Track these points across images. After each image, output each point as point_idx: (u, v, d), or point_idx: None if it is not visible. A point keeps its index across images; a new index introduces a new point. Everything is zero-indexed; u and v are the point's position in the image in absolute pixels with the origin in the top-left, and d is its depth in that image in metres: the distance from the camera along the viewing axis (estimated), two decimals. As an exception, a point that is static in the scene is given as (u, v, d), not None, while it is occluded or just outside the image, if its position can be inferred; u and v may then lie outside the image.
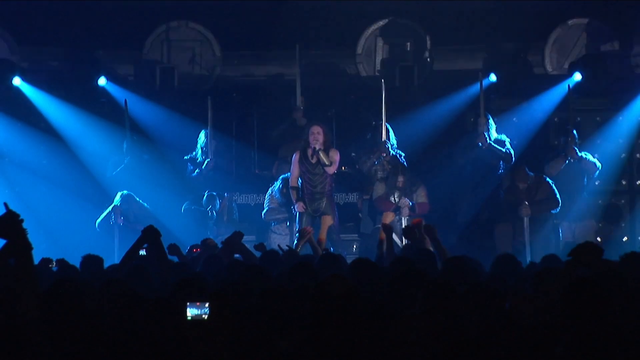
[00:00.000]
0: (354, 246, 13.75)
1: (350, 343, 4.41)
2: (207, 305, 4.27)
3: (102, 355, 4.54)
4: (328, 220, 12.78)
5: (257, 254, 9.79)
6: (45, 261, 8.75)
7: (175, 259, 9.12)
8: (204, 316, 4.26)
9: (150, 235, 7.81)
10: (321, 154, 12.92)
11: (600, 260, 5.28)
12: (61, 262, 8.73)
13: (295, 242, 10.51)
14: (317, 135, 13.01)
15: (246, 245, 9.88)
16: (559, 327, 4.66)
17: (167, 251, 8.51)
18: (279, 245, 10.44)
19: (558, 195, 13.30)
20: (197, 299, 4.33)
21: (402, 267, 6.84)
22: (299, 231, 11.05)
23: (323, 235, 12.08)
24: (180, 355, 4.17)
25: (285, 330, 5.10)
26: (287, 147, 14.69)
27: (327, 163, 12.94)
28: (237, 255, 9.31)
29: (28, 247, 4.90)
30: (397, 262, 7.40)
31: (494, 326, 5.12)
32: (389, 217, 12.73)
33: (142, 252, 8.22)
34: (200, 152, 14.31)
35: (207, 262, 8.63)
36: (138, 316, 5.26)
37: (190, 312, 4.28)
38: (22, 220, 5.09)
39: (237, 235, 9.58)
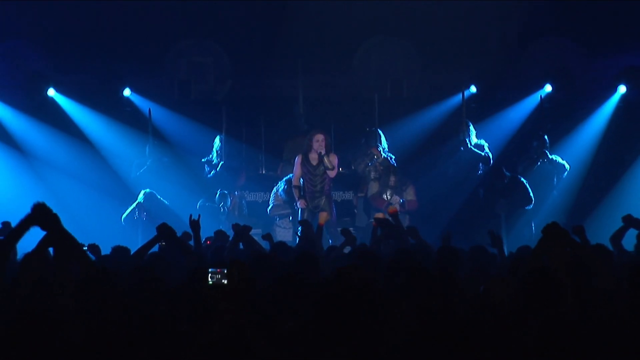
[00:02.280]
0: (350, 238, 13.75)
1: (347, 325, 4.42)
2: (225, 270, 4.27)
3: (130, 336, 4.56)
4: (325, 216, 12.80)
5: (264, 243, 9.86)
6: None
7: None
8: (223, 281, 4.26)
9: (164, 232, 7.86)
10: (325, 160, 12.99)
11: (567, 238, 5.30)
12: (93, 247, 8.75)
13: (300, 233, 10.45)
14: (321, 142, 13.07)
15: (254, 236, 9.93)
16: (530, 311, 4.68)
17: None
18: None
19: (531, 194, 13.33)
20: (217, 267, 4.34)
21: (400, 258, 6.85)
22: (300, 222, 11.02)
23: (322, 221, 12.10)
24: (202, 328, 4.19)
25: (289, 313, 5.11)
26: (291, 151, 14.75)
27: (330, 167, 13.00)
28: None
29: (67, 238, 4.89)
30: (397, 253, 7.39)
31: (470, 308, 5.14)
32: (380, 216, 12.77)
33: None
34: (215, 155, 14.35)
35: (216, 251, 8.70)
36: (162, 299, 5.29)
37: (211, 276, 4.28)
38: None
39: (245, 228, 9.66)
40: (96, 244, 8.87)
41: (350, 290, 4.48)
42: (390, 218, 10.06)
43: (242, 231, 9.51)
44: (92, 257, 8.49)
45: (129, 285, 5.65)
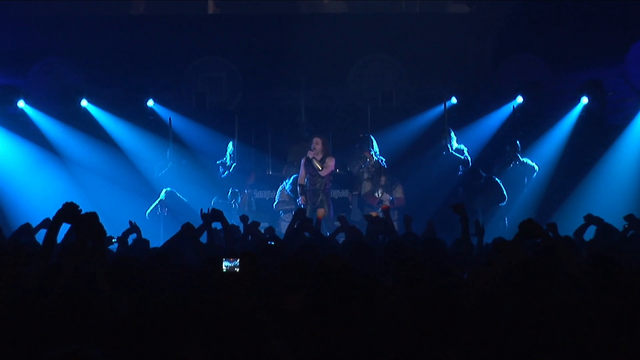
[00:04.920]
0: (346, 231, 13.73)
1: (342, 306, 4.40)
2: (238, 260, 4.28)
3: (152, 315, 4.53)
4: (323, 212, 12.78)
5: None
6: (108, 238, 8.75)
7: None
8: (235, 269, 4.26)
9: (186, 230, 7.91)
10: (314, 162, 12.99)
11: (541, 231, 5.28)
12: (121, 239, 8.75)
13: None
14: (315, 145, 13.08)
15: (260, 230, 9.92)
16: (507, 294, 4.66)
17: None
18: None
19: (505, 192, 13.32)
20: (230, 256, 4.35)
21: (391, 248, 6.79)
22: (295, 211, 10.89)
23: (320, 216, 12.07)
24: (217, 308, 4.18)
25: (292, 294, 5.09)
26: (294, 154, 14.76)
27: (319, 168, 13.00)
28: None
29: (102, 232, 4.90)
30: (389, 244, 7.33)
31: (452, 292, 5.10)
32: (373, 213, 12.74)
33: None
34: (228, 158, 14.35)
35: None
36: (181, 283, 5.28)
37: (225, 265, 4.29)
38: (82, 212, 5.06)
39: (254, 224, 9.65)
40: (123, 236, 8.88)
41: (332, 275, 4.48)
42: (382, 214, 10.05)
43: (251, 226, 9.51)
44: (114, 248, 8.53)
45: (152, 271, 5.64)
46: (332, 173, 13.28)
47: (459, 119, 14.78)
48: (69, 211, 4.99)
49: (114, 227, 9.05)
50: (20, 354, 4.00)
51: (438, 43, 15.06)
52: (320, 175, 13.05)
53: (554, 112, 14.76)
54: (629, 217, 8.87)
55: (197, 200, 13.67)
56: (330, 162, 13.13)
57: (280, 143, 15.33)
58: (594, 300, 4.75)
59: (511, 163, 13.86)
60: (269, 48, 15.32)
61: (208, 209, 8.61)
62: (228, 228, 8.53)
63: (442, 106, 14.43)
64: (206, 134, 15.00)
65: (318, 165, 12.97)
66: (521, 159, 13.88)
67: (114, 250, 8.46)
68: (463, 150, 14.00)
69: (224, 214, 8.68)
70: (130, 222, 8.98)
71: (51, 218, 8.72)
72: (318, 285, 4.58)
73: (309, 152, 13.09)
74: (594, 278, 5.03)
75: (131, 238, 8.87)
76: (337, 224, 13.38)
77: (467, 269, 5.82)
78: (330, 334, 4.12)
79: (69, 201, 5.11)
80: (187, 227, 7.92)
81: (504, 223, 13.25)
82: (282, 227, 13.29)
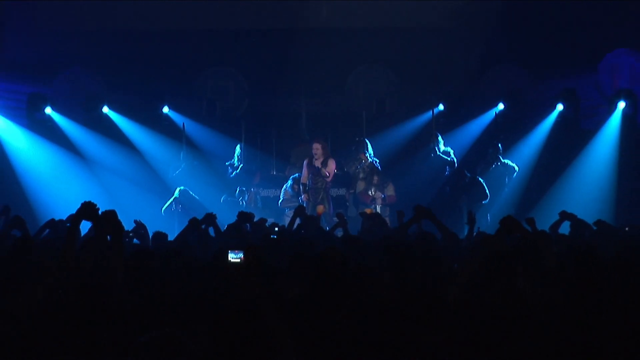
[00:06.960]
0: (343, 226, 13.75)
1: (338, 295, 4.41)
2: (241, 252, 4.30)
3: (166, 303, 4.54)
4: (322, 208, 12.80)
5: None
6: (125, 233, 8.73)
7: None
8: (238, 260, 4.28)
9: (193, 224, 7.93)
10: (322, 171, 13.04)
11: (519, 227, 5.28)
12: (135, 233, 8.74)
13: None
14: (316, 151, 13.15)
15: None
16: (490, 285, 4.65)
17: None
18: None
19: (487, 191, 13.35)
20: (235, 249, 4.37)
21: (385, 242, 6.79)
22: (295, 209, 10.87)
23: (319, 212, 12.08)
24: (223, 297, 4.20)
25: (291, 285, 5.10)
26: (296, 156, 14.77)
27: (327, 175, 13.06)
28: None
29: (121, 228, 4.91)
30: (385, 238, 7.34)
31: (442, 283, 5.12)
32: (368, 210, 12.76)
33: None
34: (236, 159, 14.37)
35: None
36: (193, 274, 5.29)
37: (230, 257, 4.31)
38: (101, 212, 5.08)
39: (262, 220, 9.68)
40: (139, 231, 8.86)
41: (330, 267, 4.50)
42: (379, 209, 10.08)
43: (258, 223, 9.52)
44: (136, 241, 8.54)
45: (167, 263, 5.65)
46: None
47: (446, 124, 14.79)
48: (87, 210, 5.01)
49: (132, 223, 9.08)
50: (46, 343, 4.01)
51: (427, 54, 15.07)
52: (321, 175, 13.09)
53: (532, 117, 14.76)
54: (597, 223, 8.88)
55: (208, 198, 13.72)
56: (332, 165, 13.19)
57: (284, 145, 15.34)
58: (572, 288, 4.75)
59: (493, 164, 13.89)
60: (272, 59, 15.32)
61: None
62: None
63: (431, 112, 14.45)
64: (216, 137, 15.01)
65: (325, 173, 13.05)
66: (502, 161, 13.90)
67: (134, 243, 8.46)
68: (449, 152, 14.03)
69: (233, 211, 8.75)
70: (135, 222, 8.95)
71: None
72: (317, 275, 4.60)
73: (315, 160, 13.11)
74: (576, 267, 5.03)
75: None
76: (336, 219, 13.48)
77: (456, 260, 5.84)
78: (327, 320, 4.13)
79: (87, 200, 5.12)
80: (193, 221, 7.94)
81: (487, 219, 13.26)
82: (287, 222, 13.30)
